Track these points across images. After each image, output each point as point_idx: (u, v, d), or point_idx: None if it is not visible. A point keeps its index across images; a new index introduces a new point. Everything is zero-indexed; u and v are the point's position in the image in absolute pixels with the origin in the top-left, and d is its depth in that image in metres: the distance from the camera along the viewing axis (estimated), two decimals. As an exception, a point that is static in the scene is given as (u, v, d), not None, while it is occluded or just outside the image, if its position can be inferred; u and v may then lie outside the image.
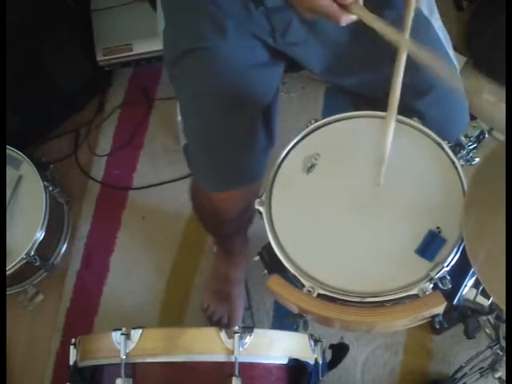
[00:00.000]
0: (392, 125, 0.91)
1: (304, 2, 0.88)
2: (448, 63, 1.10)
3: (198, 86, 1.09)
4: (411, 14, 0.91)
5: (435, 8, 1.11)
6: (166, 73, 1.17)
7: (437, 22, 1.10)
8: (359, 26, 1.06)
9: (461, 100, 1.11)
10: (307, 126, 0.99)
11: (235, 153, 1.09)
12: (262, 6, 1.04)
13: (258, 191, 1.13)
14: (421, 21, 1.06)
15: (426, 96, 1.05)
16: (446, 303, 0.82)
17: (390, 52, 1.06)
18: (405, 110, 0.97)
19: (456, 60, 1.13)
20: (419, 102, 1.04)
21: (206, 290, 1.60)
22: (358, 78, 1.11)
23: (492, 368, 1.31)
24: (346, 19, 0.88)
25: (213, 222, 1.36)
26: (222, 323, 1.53)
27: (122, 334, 1.00)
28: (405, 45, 0.89)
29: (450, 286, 0.84)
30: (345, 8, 0.87)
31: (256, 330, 1.00)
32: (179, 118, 1.31)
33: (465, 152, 0.93)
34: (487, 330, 1.32)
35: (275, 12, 1.05)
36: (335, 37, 1.08)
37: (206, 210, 1.31)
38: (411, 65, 1.04)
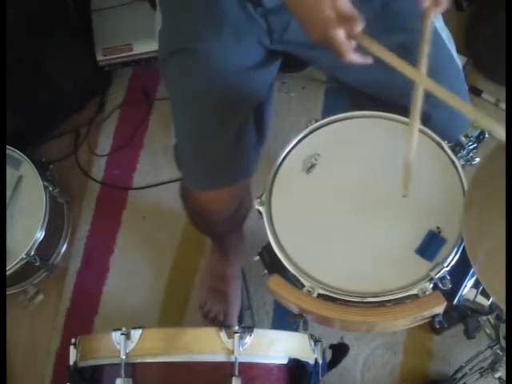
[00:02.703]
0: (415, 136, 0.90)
1: (318, 31, 0.87)
2: (451, 64, 1.10)
3: (188, 85, 1.09)
4: (427, 48, 0.91)
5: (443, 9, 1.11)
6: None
7: (439, 23, 1.09)
8: (365, 28, 1.07)
9: (465, 99, 1.11)
10: (307, 126, 0.99)
11: (223, 152, 1.09)
12: (261, 7, 1.04)
13: (247, 193, 1.13)
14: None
15: (431, 97, 1.05)
16: (445, 303, 0.82)
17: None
18: (408, 112, 0.97)
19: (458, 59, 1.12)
20: (425, 103, 1.04)
21: (202, 288, 1.60)
22: (360, 76, 1.11)
23: (492, 368, 1.31)
24: (355, 58, 0.87)
25: (203, 223, 1.36)
26: (218, 320, 1.53)
27: (121, 334, 1.00)
28: (420, 81, 0.88)
29: (450, 286, 0.84)
30: (354, 39, 0.85)
31: (256, 330, 1.00)
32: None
33: (465, 152, 0.93)
34: (487, 330, 1.32)
35: (274, 13, 1.05)
36: None
37: (195, 212, 1.31)
38: (416, 66, 1.04)
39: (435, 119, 1.02)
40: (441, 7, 0.93)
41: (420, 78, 0.89)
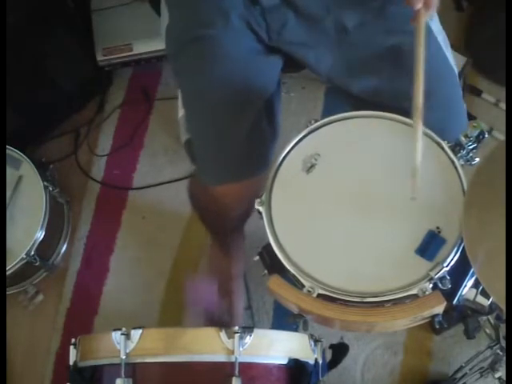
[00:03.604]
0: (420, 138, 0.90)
1: None
2: (447, 68, 1.10)
3: (201, 75, 1.09)
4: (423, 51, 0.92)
5: (435, 12, 1.11)
6: (168, 69, 1.17)
7: (436, 26, 1.09)
8: (363, 29, 1.07)
9: (460, 103, 1.11)
10: (307, 126, 0.99)
11: (241, 143, 1.09)
12: (258, 5, 1.05)
13: (260, 188, 1.13)
14: None
15: (426, 101, 1.05)
16: (445, 303, 0.82)
17: (391, 56, 1.06)
18: (406, 114, 0.97)
19: (455, 62, 1.12)
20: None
21: None
22: (358, 81, 1.10)
23: (492, 368, 1.31)
24: None
25: (214, 219, 1.36)
26: (224, 320, 1.53)
27: (121, 334, 1.00)
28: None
29: (450, 286, 0.84)
30: None
31: (256, 330, 1.00)
32: (179, 115, 1.31)
33: (464, 152, 0.93)
34: (487, 330, 1.32)
35: (271, 11, 1.06)
36: (335, 38, 1.08)
37: (207, 208, 1.30)
38: (410, 69, 1.04)
39: (429, 122, 1.02)
40: (432, 9, 0.93)
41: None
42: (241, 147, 1.10)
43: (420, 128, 0.90)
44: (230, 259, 1.54)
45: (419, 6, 0.92)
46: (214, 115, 1.10)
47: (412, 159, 0.89)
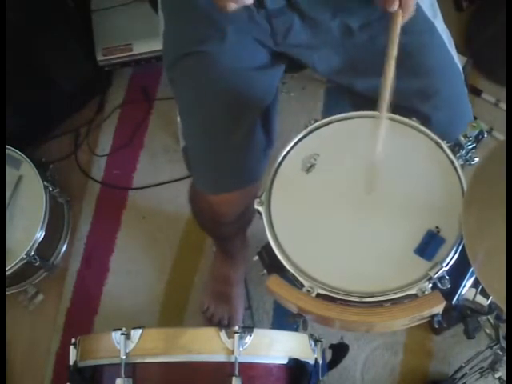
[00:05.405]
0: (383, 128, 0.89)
1: None
2: (452, 67, 1.09)
3: (197, 89, 1.09)
4: (395, 51, 0.89)
5: (438, 10, 1.10)
6: (165, 75, 1.17)
7: (440, 25, 1.09)
8: (368, 30, 1.07)
9: (465, 102, 1.11)
10: (307, 126, 0.99)
11: (234, 154, 1.09)
12: (263, 9, 1.04)
13: (257, 194, 1.14)
14: (425, 24, 1.06)
15: (432, 99, 1.04)
16: (444, 303, 0.82)
17: (397, 56, 1.05)
18: (411, 113, 0.97)
19: (458, 61, 1.12)
20: (425, 105, 1.04)
21: (205, 292, 1.60)
22: (363, 80, 1.10)
23: (492, 368, 1.31)
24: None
25: (212, 224, 1.36)
26: (223, 325, 1.53)
27: (121, 333, 1.00)
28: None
29: (449, 286, 0.84)
30: None
31: (256, 330, 1.00)
32: (179, 118, 1.31)
33: (464, 152, 0.93)
34: (487, 330, 1.32)
35: (276, 15, 1.05)
36: (340, 39, 1.08)
37: (204, 213, 1.31)
38: (416, 68, 1.04)
39: (435, 121, 1.02)
40: (408, 13, 0.90)
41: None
42: (234, 159, 1.09)
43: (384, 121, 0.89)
44: (230, 265, 1.54)
45: (394, 8, 0.88)
46: (207, 128, 1.09)
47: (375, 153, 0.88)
